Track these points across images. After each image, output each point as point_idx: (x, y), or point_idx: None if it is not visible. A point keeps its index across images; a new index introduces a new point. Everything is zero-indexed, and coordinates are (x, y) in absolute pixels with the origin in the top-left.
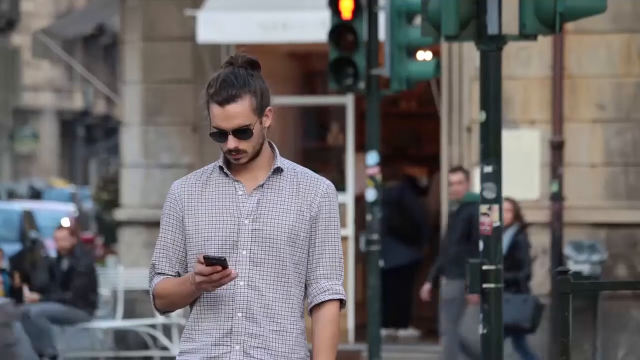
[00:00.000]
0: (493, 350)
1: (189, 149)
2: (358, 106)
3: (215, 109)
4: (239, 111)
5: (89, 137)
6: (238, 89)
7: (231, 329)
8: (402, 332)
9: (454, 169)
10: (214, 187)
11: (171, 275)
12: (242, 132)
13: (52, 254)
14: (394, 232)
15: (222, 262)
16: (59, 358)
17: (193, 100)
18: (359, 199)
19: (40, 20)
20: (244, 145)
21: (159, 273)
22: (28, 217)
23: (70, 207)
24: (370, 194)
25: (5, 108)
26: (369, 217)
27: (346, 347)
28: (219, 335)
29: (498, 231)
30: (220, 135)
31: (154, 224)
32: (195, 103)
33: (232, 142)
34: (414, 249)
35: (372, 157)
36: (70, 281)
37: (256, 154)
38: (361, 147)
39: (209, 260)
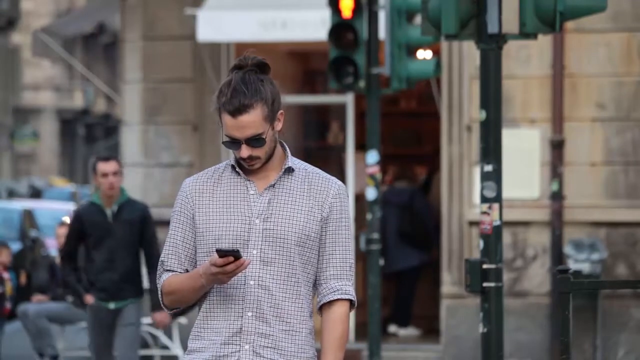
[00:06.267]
0: (493, 350)
1: (189, 148)
2: (358, 105)
3: (228, 118)
4: (251, 121)
5: (89, 136)
6: (249, 98)
7: (241, 328)
8: (402, 332)
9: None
10: (225, 185)
11: (180, 272)
12: (255, 141)
13: (53, 252)
14: (405, 235)
15: (235, 254)
16: (59, 358)
17: (193, 99)
18: (359, 198)
19: (41, 19)
20: (257, 152)
21: (168, 270)
22: (28, 216)
23: (71, 206)
24: (370, 193)
25: (6, 107)
26: (369, 216)
27: (346, 346)
28: (228, 334)
29: (498, 230)
30: (234, 143)
31: (154, 223)
32: (196, 102)
33: (245, 151)
34: (425, 251)
35: (372, 156)
36: None
37: (269, 158)
38: (361, 146)
39: (222, 253)
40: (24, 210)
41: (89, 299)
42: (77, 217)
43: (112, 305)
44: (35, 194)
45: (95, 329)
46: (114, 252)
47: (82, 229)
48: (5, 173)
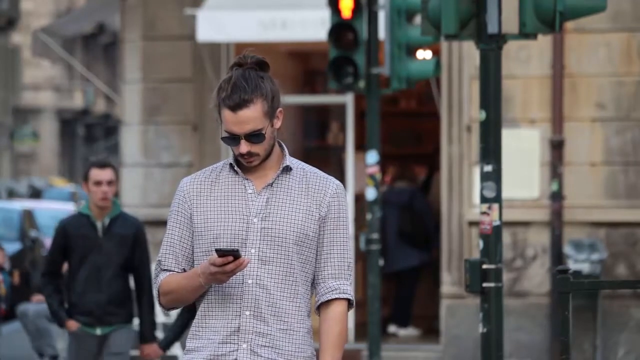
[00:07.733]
0: (493, 350)
1: (189, 148)
2: (358, 105)
3: (227, 114)
4: (251, 116)
5: (89, 136)
6: (250, 93)
7: (239, 327)
8: (402, 332)
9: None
10: (223, 184)
11: (177, 272)
12: (255, 137)
13: None
14: (405, 235)
15: (235, 253)
16: (59, 358)
17: (193, 99)
18: (359, 198)
19: (40, 19)
20: (256, 148)
21: (165, 270)
22: (28, 216)
23: (70, 206)
24: (370, 193)
25: (5, 107)
26: (368, 216)
27: (346, 346)
28: (226, 333)
29: (498, 230)
30: (233, 139)
31: (154, 223)
32: (196, 102)
33: (244, 147)
34: (424, 251)
35: (372, 156)
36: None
37: (267, 155)
38: (361, 146)
39: (221, 252)
40: (24, 210)
41: (72, 325)
42: (62, 230)
43: (98, 331)
44: (35, 194)
45: (77, 358)
46: (101, 269)
47: (66, 244)
48: (5, 173)
